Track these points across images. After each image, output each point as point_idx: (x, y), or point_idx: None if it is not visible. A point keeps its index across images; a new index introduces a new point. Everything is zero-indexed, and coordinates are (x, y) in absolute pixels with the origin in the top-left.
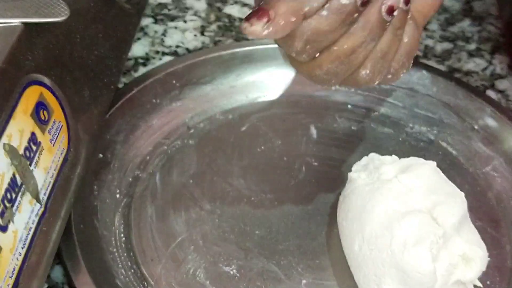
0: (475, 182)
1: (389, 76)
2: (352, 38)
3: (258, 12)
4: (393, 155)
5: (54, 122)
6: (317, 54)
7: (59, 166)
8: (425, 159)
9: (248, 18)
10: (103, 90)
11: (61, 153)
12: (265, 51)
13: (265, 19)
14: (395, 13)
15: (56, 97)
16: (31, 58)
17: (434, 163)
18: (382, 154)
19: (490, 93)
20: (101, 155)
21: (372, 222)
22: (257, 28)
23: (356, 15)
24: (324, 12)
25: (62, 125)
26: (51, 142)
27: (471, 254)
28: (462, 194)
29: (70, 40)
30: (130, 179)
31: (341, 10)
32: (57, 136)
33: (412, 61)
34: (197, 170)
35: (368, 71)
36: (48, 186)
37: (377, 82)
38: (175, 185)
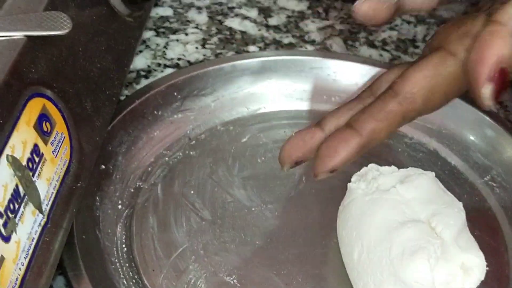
0: (474, 192)
1: None
2: None
3: None
4: (392, 166)
5: (56, 133)
6: None
7: (61, 177)
8: (424, 169)
9: None
10: (105, 102)
11: (64, 164)
12: (265, 63)
13: None
14: None
15: (59, 109)
16: (34, 70)
17: (432, 174)
18: (381, 165)
19: None
20: (103, 166)
21: (371, 232)
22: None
23: None
24: None
25: (64, 137)
26: (53, 153)
27: (470, 263)
28: (460, 204)
29: (72, 52)
30: (132, 190)
31: None
32: (60, 147)
33: None
34: (198, 181)
35: None
36: (51, 197)
37: None
38: (177, 196)
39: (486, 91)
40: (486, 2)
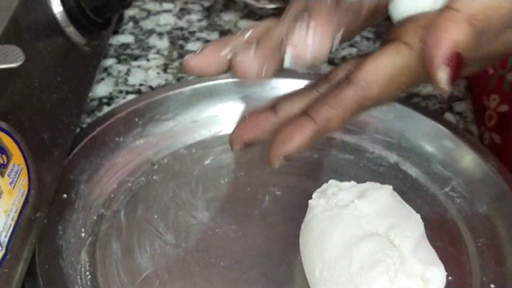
0: (435, 203)
1: None
2: None
3: None
4: (352, 181)
5: (13, 165)
6: None
7: (19, 208)
8: (386, 182)
9: None
10: (63, 132)
11: (22, 195)
12: (226, 86)
13: None
14: None
15: (15, 141)
16: None
17: (390, 187)
18: (343, 180)
19: (448, 115)
20: (65, 196)
21: (331, 248)
22: None
23: None
24: None
25: (22, 168)
26: (11, 185)
27: (429, 274)
28: (418, 215)
29: (28, 84)
30: (95, 218)
31: None
32: (17, 178)
33: None
34: (161, 205)
35: None
36: (9, 228)
37: None
38: (140, 221)
39: (443, 75)
40: None
